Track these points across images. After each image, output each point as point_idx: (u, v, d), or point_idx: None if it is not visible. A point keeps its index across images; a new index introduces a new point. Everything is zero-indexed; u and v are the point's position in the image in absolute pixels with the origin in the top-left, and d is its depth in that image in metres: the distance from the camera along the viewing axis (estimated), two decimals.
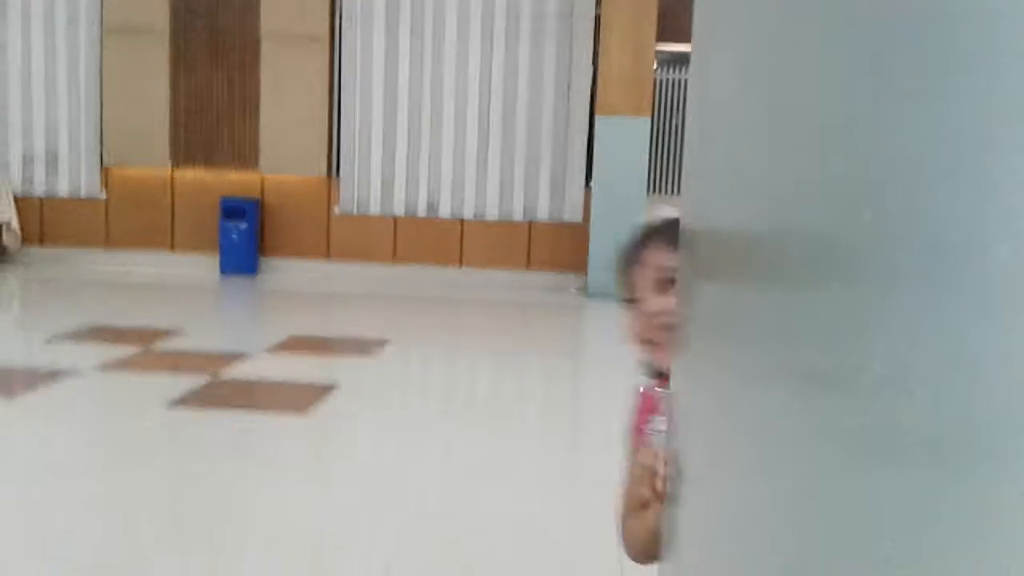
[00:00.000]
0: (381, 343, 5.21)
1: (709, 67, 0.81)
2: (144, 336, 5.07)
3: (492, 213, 7.91)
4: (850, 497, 0.38)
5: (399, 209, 7.97)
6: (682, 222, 0.92)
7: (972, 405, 0.28)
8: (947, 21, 0.31)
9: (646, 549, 1.18)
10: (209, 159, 8.10)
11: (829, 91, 0.45)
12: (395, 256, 8.05)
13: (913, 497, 0.31)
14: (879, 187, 0.36)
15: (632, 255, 1.25)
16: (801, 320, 0.47)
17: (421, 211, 7.95)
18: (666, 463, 1.06)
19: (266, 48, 7.86)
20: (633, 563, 1.23)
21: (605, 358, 5.40)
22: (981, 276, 0.27)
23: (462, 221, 7.98)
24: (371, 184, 7.95)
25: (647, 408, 1.27)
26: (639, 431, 1.27)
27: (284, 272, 8.03)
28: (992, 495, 0.27)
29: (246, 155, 8.06)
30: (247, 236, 7.88)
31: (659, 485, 1.07)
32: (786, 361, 0.50)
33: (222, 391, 4.07)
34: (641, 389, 1.30)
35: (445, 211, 7.94)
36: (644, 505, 1.18)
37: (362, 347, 5.13)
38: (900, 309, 0.33)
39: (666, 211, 1.31)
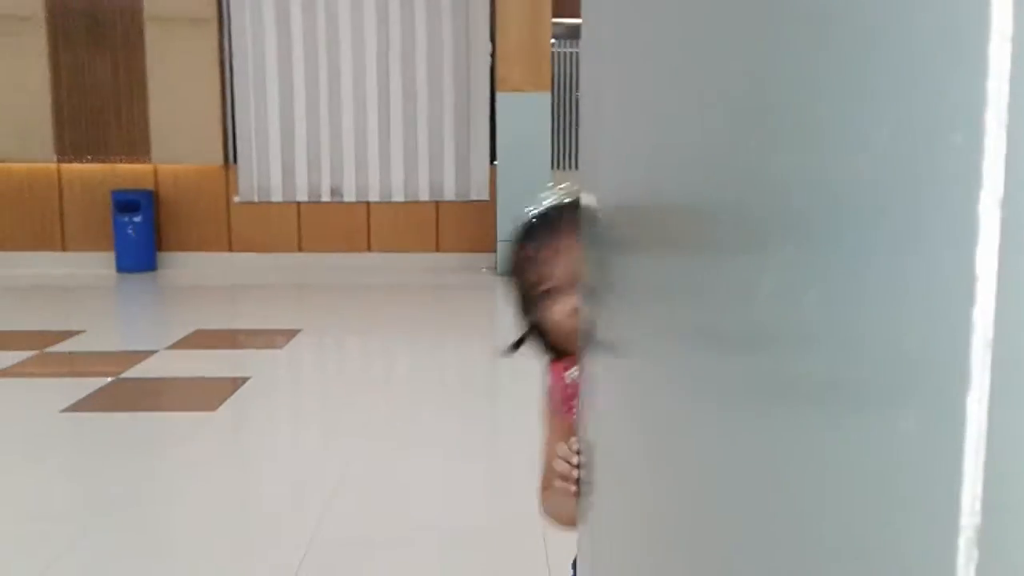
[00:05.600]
0: (292, 333, 5.08)
1: (599, 39, 0.81)
2: (37, 340, 4.82)
3: (398, 194, 7.80)
4: (760, 450, 0.39)
5: (302, 195, 7.78)
6: (582, 195, 0.92)
7: (856, 355, 0.29)
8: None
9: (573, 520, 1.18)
10: (97, 151, 7.74)
11: (717, 62, 0.45)
12: (300, 244, 7.87)
13: (812, 441, 0.33)
14: (763, 153, 0.37)
15: (548, 242, 1.15)
16: (701, 284, 0.48)
17: (325, 196, 7.78)
18: (580, 452, 1.05)
19: (151, 31, 7.54)
20: (559, 530, 1.23)
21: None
22: (849, 233, 0.29)
23: (368, 204, 7.84)
24: (271, 170, 7.73)
25: (569, 391, 1.25)
26: (566, 411, 1.24)
27: (184, 266, 7.75)
28: (877, 439, 0.28)
29: (137, 145, 7.73)
30: (143, 230, 7.57)
31: (574, 474, 1.07)
32: (691, 325, 0.51)
33: (125, 392, 3.90)
34: (562, 373, 1.26)
35: (350, 195, 7.79)
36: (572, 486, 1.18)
37: (272, 338, 4.99)
38: (787, 268, 0.35)
39: (567, 188, 1.23)
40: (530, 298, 1.21)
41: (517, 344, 1.30)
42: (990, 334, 0.23)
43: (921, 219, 0.26)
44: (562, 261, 1.15)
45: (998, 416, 0.23)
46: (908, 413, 0.26)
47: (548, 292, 1.18)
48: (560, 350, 1.25)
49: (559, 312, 1.17)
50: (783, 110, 0.36)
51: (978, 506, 0.24)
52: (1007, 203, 0.22)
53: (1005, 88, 0.22)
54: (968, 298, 0.23)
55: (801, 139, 0.34)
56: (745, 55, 0.41)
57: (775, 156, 0.36)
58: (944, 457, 0.25)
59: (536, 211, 1.22)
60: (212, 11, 7.55)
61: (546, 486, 1.25)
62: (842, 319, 0.30)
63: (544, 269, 1.17)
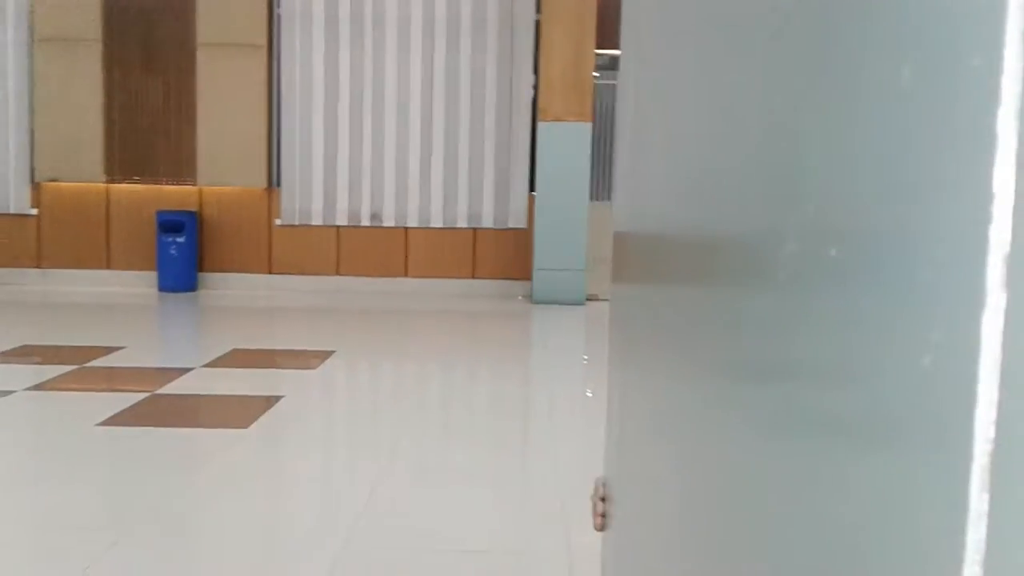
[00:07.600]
0: (326, 354, 5.11)
1: (637, 71, 0.80)
2: (79, 355, 4.90)
3: (436, 220, 7.85)
4: (790, 481, 0.38)
5: (342, 219, 7.86)
6: (615, 225, 0.92)
7: (901, 391, 0.28)
8: (873, 28, 0.31)
9: None
10: (144, 172, 7.90)
11: (754, 94, 0.44)
12: (339, 267, 7.94)
13: (845, 475, 0.32)
14: (806, 187, 0.36)
15: None
16: (736, 317, 0.47)
17: (364, 220, 7.86)
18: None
19: (202, 56, 7.71)
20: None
21: (552, 365, 5.37)
22: (906, 270, 0.28)
23: (406, 229, 7.90)
24: (313, 194, 7.83)
25: None
26: None
27: (225, 287, 7.85)
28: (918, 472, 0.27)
29: (183, 167, 7.88)
30: (186, 251, 7.70)
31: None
32: (723, 357, 0.50)
33: (160, 407, 3.94)
34: None
35: (389, 220, 7.86)
36: None
37: (307, 359, 5.02)
38: (830, 303, 0.33)
39: None
40: None
41: None
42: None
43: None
44: None
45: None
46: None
47: None
48: None
49: None
50: (830, 151, 0.35)
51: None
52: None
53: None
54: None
55: (846, 182, 0.33)
56: (789, 93, 0.40)
57: (820, 193, 0.36)
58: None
59: None
60: (262, 38, 7.71)
61: None
62: (888, 366, 0.29)
63: None
